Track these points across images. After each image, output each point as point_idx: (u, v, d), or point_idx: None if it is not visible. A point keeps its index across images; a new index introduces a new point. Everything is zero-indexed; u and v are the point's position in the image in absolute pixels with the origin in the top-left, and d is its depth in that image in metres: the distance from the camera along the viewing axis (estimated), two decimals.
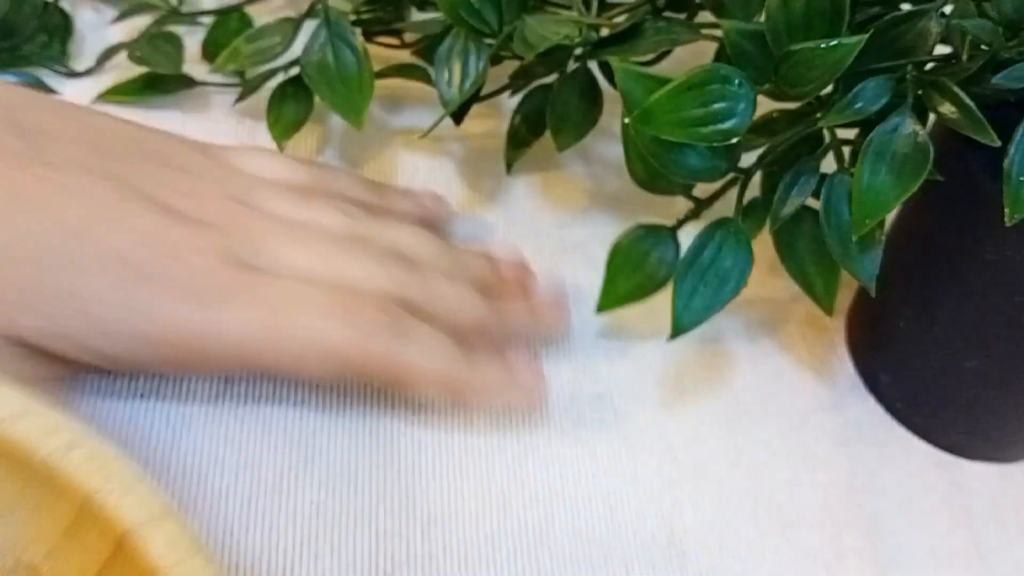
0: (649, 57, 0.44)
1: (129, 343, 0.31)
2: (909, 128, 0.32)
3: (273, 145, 0.42)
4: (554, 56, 0.41)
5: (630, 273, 0.37)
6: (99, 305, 0.30)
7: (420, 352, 0.33)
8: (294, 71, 0.43)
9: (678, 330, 0.35)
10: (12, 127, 0.32)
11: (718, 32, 0.33)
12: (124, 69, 0.45)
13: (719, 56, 0.37)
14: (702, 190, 0.37)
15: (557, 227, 0.44)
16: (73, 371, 0.33)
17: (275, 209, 0.35)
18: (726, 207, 0.36)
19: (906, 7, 0.33)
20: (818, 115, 0.34)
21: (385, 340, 0.32)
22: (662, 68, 0.44)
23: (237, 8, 0.46)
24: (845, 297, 0.42)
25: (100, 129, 0.35)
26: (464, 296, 0.35)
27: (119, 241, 0.31)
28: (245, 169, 0.37)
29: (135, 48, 0.44)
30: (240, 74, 0.45)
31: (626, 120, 0.32)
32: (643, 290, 0.37)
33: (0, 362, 0.30)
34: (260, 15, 0.47)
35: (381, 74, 0.44)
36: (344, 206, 0.36)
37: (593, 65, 0.43)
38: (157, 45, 0.44)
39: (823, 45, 0.30)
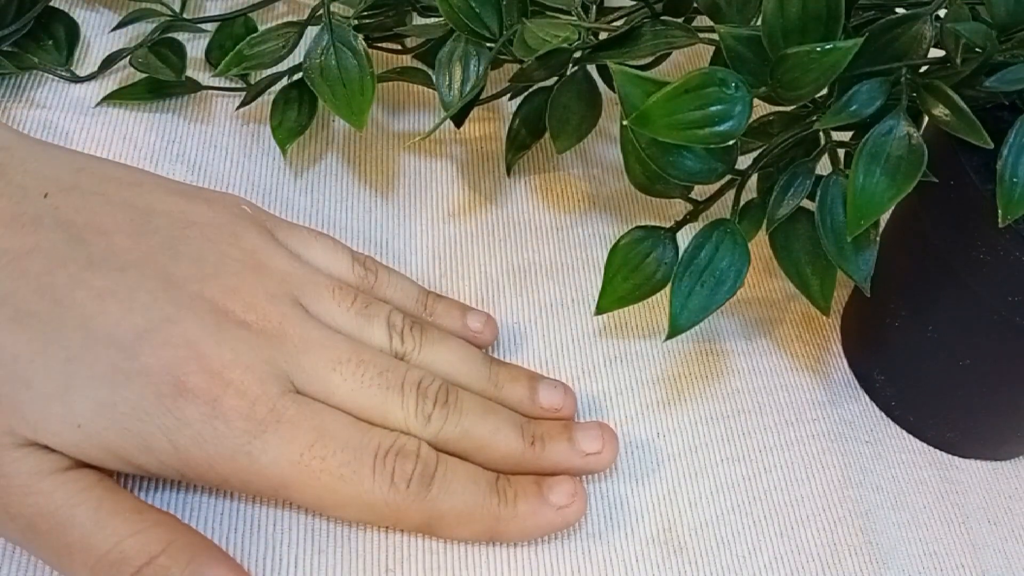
0: (647, 60, 0.44)
1: (171, 461, 0.30)
2: (903, 130, 0.32)
3: (277, 149, 0.43)
4: (553, 59, 0.41)
5: (628, 274, 0.38)
6: (139, 422, 0.30)
7: (451, 499, 0.32)
8: (297, 76, 0.44)
9: (675, 330, 0.35)
10: (54, 217, 0.31)
11: (715, 36, 0.34)
12: (129, 73, 0.45)
13: (716, 60, 0.37)
14: (700, 192, 0.37)
15: (556, 229, 0.44)
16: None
17: (324, 315, 0.34)
18: (723, 210, 0.37)
19: (900, 11, 0.33)
20: (813, 118, 0.35)
21: (416, 493, 0.32)
22: (660, 71, 0.44)
23: (240, 14, 0.46)
24: (840, 297, 0.42)
25: (145, 211, 0.33)
26: (499, 435, 0.34)
27: (161, 356, 0.30)
28: (302, 255, 0.36)
29: (137, 54, 0.44)
30: (244, 78, 0.45)
31: (624, 123, 0.32)
32: (642, 291, 0.37)
33: (21, 468, 0.29)
34: (263, 21, 0.48)
35: (383, 78, 0.44)
36: (394, 318, 0.35)
37: (592, 68, 0.43)
38: (159, 51, 0.44)
39: (818, 49, 0.30)
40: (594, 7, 0.41)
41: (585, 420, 0.37)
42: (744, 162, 0.36)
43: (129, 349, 0.30)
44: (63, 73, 0.44)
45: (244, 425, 0.30)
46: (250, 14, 0.46)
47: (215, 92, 0.46)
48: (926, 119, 0.32)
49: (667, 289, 0.36)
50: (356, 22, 0.43)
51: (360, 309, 0.35)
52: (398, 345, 0.35)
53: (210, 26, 0.46)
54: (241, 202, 0.36)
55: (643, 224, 0.38)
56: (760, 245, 0.37)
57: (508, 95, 0.44)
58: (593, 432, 0.35)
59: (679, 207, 0.39)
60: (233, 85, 0.45)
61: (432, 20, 0.44)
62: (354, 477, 0.31)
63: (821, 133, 0.35)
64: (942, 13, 0.32)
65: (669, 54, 0.46)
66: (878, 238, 0.34)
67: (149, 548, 0.29)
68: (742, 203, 0.36)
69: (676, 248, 0.37)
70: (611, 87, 0.41)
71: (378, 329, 0.35)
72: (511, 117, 0.45)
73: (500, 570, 0.33)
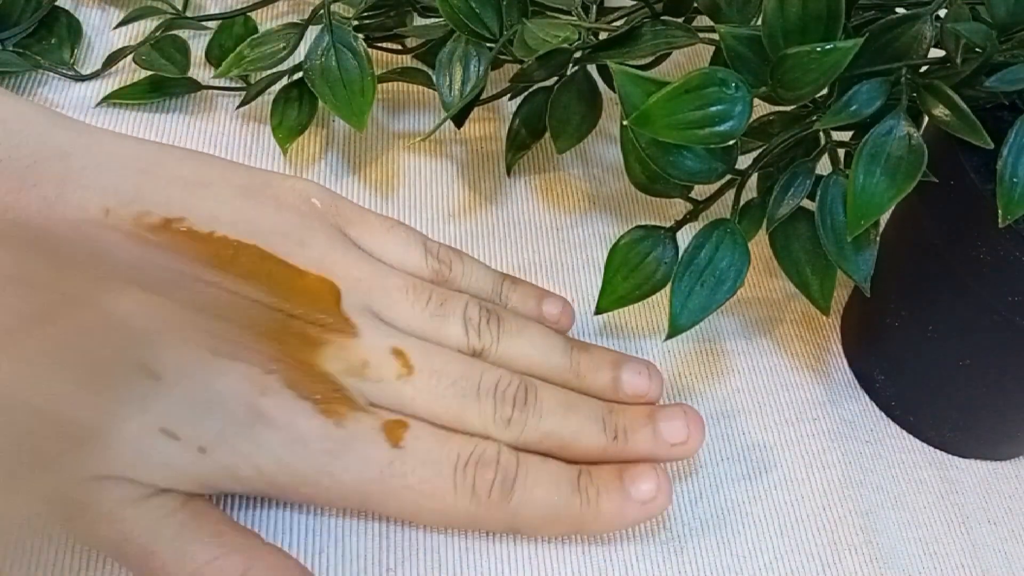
0: (647, 60, 0.44)
1: (258, 484, 0.30)
2: (903, 130, 0.32)
3: (277, 149, 0.43)
4: (553, 60, 0.41)
5: (628, 274, 0.38)
6: (223, 454, 0.29)
7: (532, 504, 0.32)
8: (297, 75, 0.44)
9: (675, 329, 0.35)
10: None
11: (715, 36, 0.34)
12: (130, 72, 0.45)
13: (716, 60, 0.38)
14: (700, 192, 0.37)
15: (556, 228, 0.44)
16: None
17: (398, 320, 0.34)
18: (723, 209, 0.37)
19: (900, 11, 0.33)
20: (814, 118, 0.35)
21: (497, 502, 0.31)
22: (660, 71, 0.44)
23: (242, 13, 0.46)
24: (840, 297, 0.43)
25: (209, 222, 0.33)
26: (581, 433, 0.33)
27: (232, 383, 0.30)
28: (374, 251, 0.35)
29: (141, 52, 0.44)
30: (244, 78, 0.45)
31: (624, 122, 0.32)
32: (641, 291, 0.37)
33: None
34: (265, 19, 0.48)
35: (383, 78, 0.44)
36: (470, 313, 0.35)
37: (592, 69, 0.43)
38: (163, 49, 0.44)
39: (819, 49, 0.30)
40: (594, 7, 0.41)
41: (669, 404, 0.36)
42: (744, 162, 0.36)
43: (210, 375, 0.30)
44: (66, 72, 0.45)
45: (323, 446, 0.30)
46: (251, 13, 0.46)
47: (215, 91, 0.46)
48: (926, 119, 0.32)
49: (667, 289, 0.36)
50: (356, 22, 0.43)
51: (435, 310, 0.34)
52: (475, 341, 0.34)
53: (211, 24, 0.47)
54: (312, 194, 0.35)
55: (643, 224, 0.38)
56: (760, 245, 0.37)
57: (508, 95, 0.44)
58: (677, 422, 0.34)
59: (679, 207, 0.39)
60: (233, 84, 0.46)
61: (432, 20, 0.44)
62: (435, 492, 0.31)
63: (821, 133, 0.35)
64: (942, 13, 0.32)
65: (669, 54, 0.46)
66: (878, 238, 0.34)
67: None
68: (742, 203, 0.36)
69: (676, 248, 0.37)
70: (611, 87, 0.41)
71: (454, 327, 0.34)
72: (511, 117, 0.45)
73: (500, 569, 0.33)
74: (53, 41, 0.45)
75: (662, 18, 0.39)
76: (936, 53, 0.33)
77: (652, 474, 0.33)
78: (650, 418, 0.34)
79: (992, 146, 0.30)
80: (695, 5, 0.39)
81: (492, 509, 0.31)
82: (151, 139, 0.43)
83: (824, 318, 0.41)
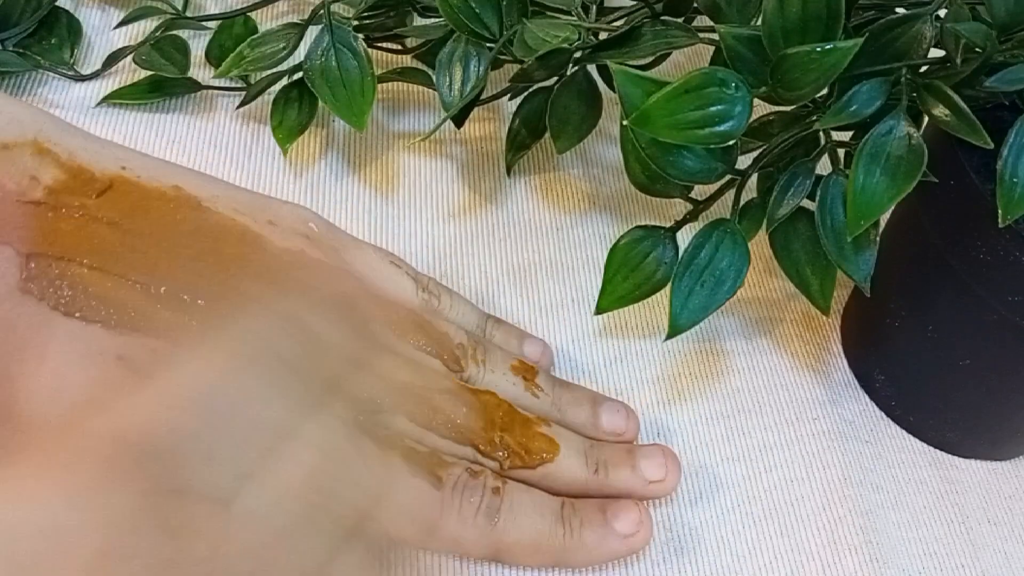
0: (647, 60, 0.44)
1: None
2: (903, 130, 0.32)
3: (277, 149, 0.43)
4: (553, 60, 0.41)
5: (628, 274, 0.38)
6: None
7: (516, 531, 0.32)
8: (297, 75, 0.44)
9: (675, 329, 0.35)
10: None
11: (715, 36, 0.34)
12: (130, 72, 0.45)
13: (716, 60, 0.37)
14: (700, 192, 0.37)
15: (556, 228, 0.44)
16: None
17: (392, 342, 0.34)
18: (723, 210, 0.37)
19: (900, 11, 0.33)
20: (813, 118, 0.35)
21: (482, 526, 0.32)
22: (660, 71, 0.44)
23: (242, 13, 0.46)
24: (840, 297, 0.43)
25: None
26: (564, 463, 0.34)
27: None
28: (366, 281, 0.35)
29: (141, 52, 0.44)
30: (244, 78, 0.45)
31: (624, 122, 0.32)
32: (642, 291, 0.37)
33: None
34: (265, 19, 0.48)
35: (383, 78, 0.44)
36: (460, 340, 0.35)
37: (592, 68, 0.43)
38: (163, 49, 0.44)
39: (819, 49, 0.30)
40: (594, 7, 0.41)
41: (647, 443, 0.37)
42: (744, 162, 0.36)
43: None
44: (66, 72, 0.44)
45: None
46: (251, 13, 0.46)
47: (215, 91, 0.46)
48: (926, 119, 0.32)
49: (667, 289, 0.36)
50: (356, 22, 0.43)
51: (428, 339, 0.35)
52: (463, 371, 0.35)
53: (211, 24, 0.47)
54: (308, 219, 0.35)
55: (643, 224, 0.38)
56: (760, 245, 0.37)
57: (508, 95, 0.44)
58: (656, 460, 0.35)
59: (679, 207, 0.39)
60: (233, 84, 0.46)
61: (432, 20, 0.44)
62: (421, 517, 0.31)
63: (821, 133, 0.36)
64: (942, 13, 0.32)
65: (669, 54, 0.46)
66: (878, 238, 0.34)
67: None
68: (742, 203, 0.36)
69: (676, 248, 0.37)
70: (611, 87, 0.41)
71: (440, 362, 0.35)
72: (511, 117, 0.45)
73: (498, 569, 0.33)
74: (53, 41, 0.45)
75: (662, 18, 0.39)
76: (936, 53, 0.33)
77: (634, 509, 0.34)
78: (630, 455, 0.35)
79: (992, 146, 0.30)
80: (695, 5, 0.39)
81: (476, 533, 0.32)
82: (152, 139, 0.43)
83: (824, 318, 0.41)
